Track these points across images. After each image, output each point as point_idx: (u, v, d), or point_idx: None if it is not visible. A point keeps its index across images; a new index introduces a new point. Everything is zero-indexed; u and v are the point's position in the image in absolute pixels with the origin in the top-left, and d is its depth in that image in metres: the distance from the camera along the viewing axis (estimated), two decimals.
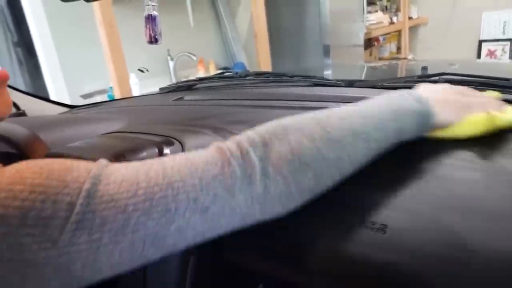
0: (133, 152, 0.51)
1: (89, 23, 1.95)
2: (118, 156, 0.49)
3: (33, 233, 0.28)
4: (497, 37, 3.27)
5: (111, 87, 2.08)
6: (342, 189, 0.43)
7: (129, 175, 0.33)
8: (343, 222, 0.40)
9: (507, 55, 3.26)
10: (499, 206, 0.36)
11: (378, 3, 3.50)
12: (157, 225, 0.32)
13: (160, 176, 0.33)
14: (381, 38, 3.39)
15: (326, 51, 2.80)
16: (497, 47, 3.29)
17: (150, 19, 0.53)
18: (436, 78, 0.70)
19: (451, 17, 3.36)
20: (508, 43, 3.24)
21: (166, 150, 0.54)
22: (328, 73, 2.78)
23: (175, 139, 0.56)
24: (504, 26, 3.23)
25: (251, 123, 0.62)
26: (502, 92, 0.58)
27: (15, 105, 0.99)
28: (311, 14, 2.77)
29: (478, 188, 0.39)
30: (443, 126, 0.47)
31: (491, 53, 3.32)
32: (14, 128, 0.67)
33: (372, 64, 2.73)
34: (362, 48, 3.00)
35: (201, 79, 1.06)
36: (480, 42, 3.35)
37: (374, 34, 3.19)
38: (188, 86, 1.05)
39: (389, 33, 3.48)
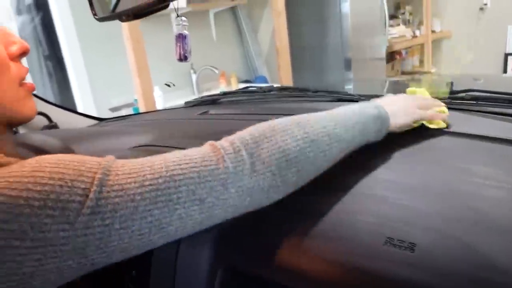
0: None
1: (116, 39, 2.01)
2: None
3: (53, 214, 0.32)
4: None
5: (136, 100, 2.13)
6: (365, 205, 0.44)
7: (136, 168, 0.37)
8: (367, 238, 0.40)
9: None
10: None
11: (400, 16, 3.49)
12: (161, 213, 0.36)
13: (164, 170, 0.37)
14: (403, 52, 3.37)
15: (348, 65, 2.79)
16: None
17: (181, 38, 0.55)
18: (463, 94, 0.70)
19: (475, 30, 3.31)
20: None
21: None
22: (349, 88, 2.78)
23: None
24: None
25: None
26: None
27: (47, 117, 1.03)
28: (333, 28, 2.79)
29: (505, 207, 0.39)
30: (396, 129, 0.56)
31: None
32: (48, 140, 0.70)
33: (395, 79, 2.71)
34: (384, 62, 2.99)
35: (225, 93, 1.08)
36: (506, 55, 3.28)
37: (396, 47, 3.17)
38: (212, 100, 1.07)
39: (411, 47, 3.45)
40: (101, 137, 0.82)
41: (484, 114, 0.65)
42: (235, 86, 2.82)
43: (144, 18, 0.59)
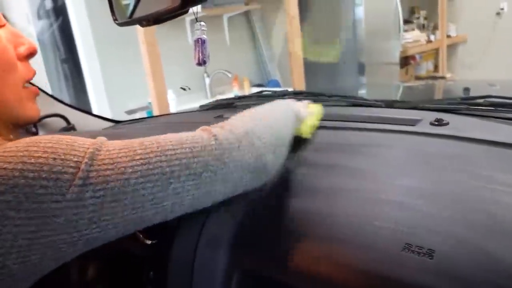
0: None
1: (132, 42, 2.04)
2: None
3: (46, 185, 0.33)
4: None
5: (150, 103, 2.15)
6: (382, 211, 0.44)
7: (127, 145, 0.38)
8: (385, 244, 0.40)
9: None
10: None
11: (415, 21, 3.46)
12: (155, 186, 0.37)
13: (155, 145, 0.38)
14: (417, 57, 3.34)
15: (361, 69, 2.78)
16: None
17: (200, 43, 0.56)
18: (481, 100, 0.69)
19: (492, 35, 3.27)
20: None
21: None
22: (362, 92, 2.76)
23: None
24: None
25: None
26: None
27: (65, 119, 1.05)
28: (346, 33, 2.78)
29: None
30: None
31: None
32: None
33: (409, 84, 2.68)
34: (398, 67, 2.96)
35: (240, 98, 1.09)
36: None
37: (410, 52, 3.15)
38: (227, 104, 1.08)
39: (426, 52, 3.42)
40: (118, 139, 0.83)
41: (502, 120, 0.64)
42: (248, 90, 2.83)
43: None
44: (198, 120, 0.97)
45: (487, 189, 0.44)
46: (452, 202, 0.44)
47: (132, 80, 2.31)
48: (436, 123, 0.64)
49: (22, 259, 0.32)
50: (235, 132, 0.44)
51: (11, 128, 0.48)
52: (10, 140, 0.42)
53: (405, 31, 3.15)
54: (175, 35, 2.44)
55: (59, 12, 2.33)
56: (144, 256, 0.53)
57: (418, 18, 3.53)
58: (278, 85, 3.01)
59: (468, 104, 0.70)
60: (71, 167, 0.34)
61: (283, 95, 1.03)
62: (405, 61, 3.20)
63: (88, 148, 0.36)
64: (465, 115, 0.68)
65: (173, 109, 2.33)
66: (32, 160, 0.33)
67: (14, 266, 0.32)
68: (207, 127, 0.44)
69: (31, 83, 0.52)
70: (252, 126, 0.46)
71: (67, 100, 2.52)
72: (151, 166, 0.37)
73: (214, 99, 1.29)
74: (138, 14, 0.59)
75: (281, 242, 0.44)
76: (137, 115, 2.11)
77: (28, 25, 2.26)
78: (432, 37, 3.42)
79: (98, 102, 2.35)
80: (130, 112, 2.12)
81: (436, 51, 3.52)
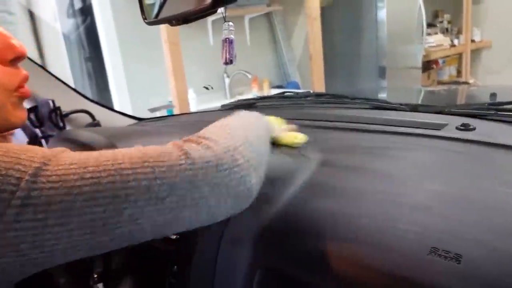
0: None
1: (154, 42, 2.08)
2: None
3: None
4: None
5: (170, 101, 2.18)
6: (409, 214, 0.43)
7: (80, 159, 0.33)
8: (411, 247, 0.40)
9: None
10: None
11: (438, 25, 3.41)
12: (106, 211, 0.32)
13: (110, 163, 0.33)
14: (440, 61, 3.29)
15: (382, 73, 2.76)
16: None
17: (228, 42, 0.57)
18: (510, 106, 0.68)
19: None
20: None
21: None
22: (383, 96, 2.73)
23: None
24: None
25: (311, 144, 0.64)
26: None
27: (90, 115, 1.07)
28: (368, 35, 2.76)
29: None
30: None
31: None
32: (95, 137, 0.73)
33: (431, 88, 2.64)
34: (420, 71, 2.92)
35: (261, 98, 1.09)
36: None
37: (433, 56, 3.10)
38: (248, 104, 1.09)
39: (449, 56, 3.36)
40: (142, 136, 0.84)
41: None
42: (267, 91, 2.83)
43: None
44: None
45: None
46: (479, 208, 0.43)
47: (153, 79, 2.35)
48: (463, 128, 0.63)
49: None
50: (213, 148, 0.37)
51: None
52: None
53: (428, 34, 3.11)
54: (197, 36, 2.46)
55: (86, 12, 2.39)
56: (168, 250, 0.54)
57: (441, 21, 3.47)
58: (297, 87, 3.01)
59: (496, 110, 0.68)
60: (11, 184, 0.30)
61: (305, 96, 1.03)
62: (428, 65, 3.15)
63: (34, 163, 0.31)
64: (492, 120, 0.67)
65: (193, 108, 2.36)
66: None
67: None
68: (178, 142, 0.38)
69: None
70: (233, 142, 0.39)
71: (89, 97, 2.58)
72: (101, 188, 0.31)
73: (234, 99, 1.29)
74: (168, 13, 0.60)
75: (305, 241, 0.44)
76: (159, 113, 2.14)
77: (55, 21, 2.32)
78: (456, 42, 3.36)
79: (120, 100, 2.40)
80: (153, 110, 2.16)
81: (460, 56, 3.46)
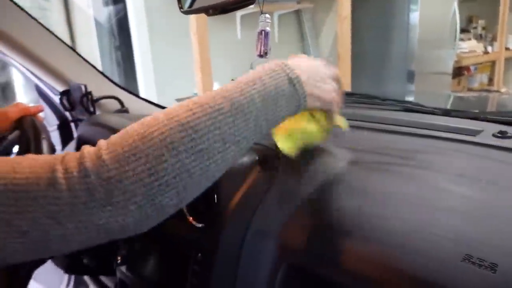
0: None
1: (183, 36, 2.09)
2: None
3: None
4: None
5: (195, 94, 2.20)
6: (442, 219, 0.42)
7: None
8: (444, 253, 0.39)
9: None
10: None
11: (472, 31, 3.31)
12: None
13: None
14: (472, 68, 3.20)
15: (410, 77, 2.70)
16: None
17: (263, 34, 0.56)
18: None
19: None
20: None
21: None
22: (410, 100, 2.67)
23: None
24: None
25: (342, 142, 0.63)
26: None
27: (120, 101, 1.09)
28: (398, 37, 2.70)
29: None
30: (311, 108, 0.47)
31: None
32: (126, 122, 0.74)
33: (460, 94, 2.57)
34: (450, 77, 2.85)
35: None
36: None
37: (465, 63, 3.02)
38: None
39: (481, 63, 3.27)
40: None
41: None
42: None
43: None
44: None
45: None
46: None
47: (180, 71, 2.37)
48: (500, 135, 0.61)
49: None
50: (92, 173, 0.31)
51: None
52: None
53: (461, 40, 3.03)
54: (224, 29, 2.47)
55: (119, 1, 2.43)
56: (192, 238, 0.54)
57: (475, 27, 3.37)
58: None
59: None
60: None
61: None
62: (459, 71, 3.07)
63: None
64: None
65: None
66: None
67: None
68: (56, 162, 0.32)
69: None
70: (125, 163, 0.32)
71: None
72: None
73: None
74: (206, 2, 0.60)
75: (333, 240, 0.44)
76: None
77: (88, 8, 2.37)
78: (489, 49, 3.26)
79: (147, 89, 2.43)
80: (179, 100, 2.19)
81: (493, 64, 3.35)
